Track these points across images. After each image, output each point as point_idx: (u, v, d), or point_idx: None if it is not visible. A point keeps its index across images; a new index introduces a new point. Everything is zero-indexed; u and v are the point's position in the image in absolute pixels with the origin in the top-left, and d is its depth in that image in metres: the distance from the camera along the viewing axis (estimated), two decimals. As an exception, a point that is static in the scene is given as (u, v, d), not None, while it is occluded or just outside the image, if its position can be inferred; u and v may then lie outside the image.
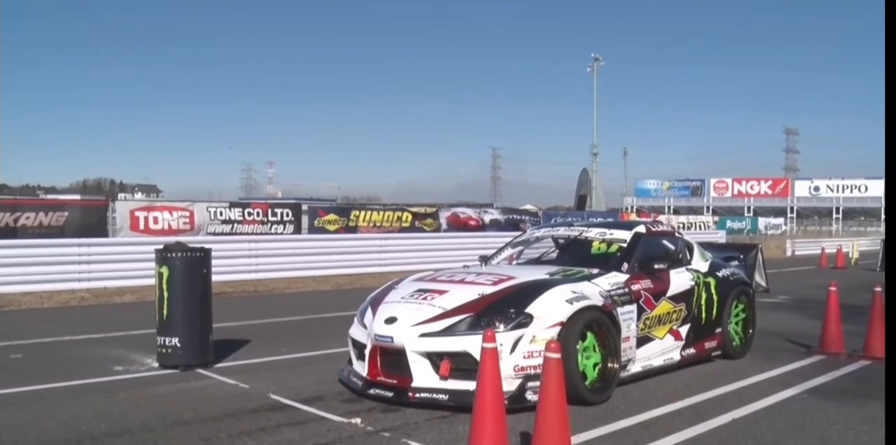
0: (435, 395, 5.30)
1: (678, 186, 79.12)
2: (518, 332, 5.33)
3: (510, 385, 5.24)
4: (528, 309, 5.44)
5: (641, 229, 7.19)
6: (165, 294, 6.77)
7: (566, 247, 7.77)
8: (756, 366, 7.13)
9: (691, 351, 6.96)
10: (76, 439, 4.72)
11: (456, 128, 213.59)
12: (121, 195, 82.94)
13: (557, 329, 5.37)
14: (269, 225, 17.83)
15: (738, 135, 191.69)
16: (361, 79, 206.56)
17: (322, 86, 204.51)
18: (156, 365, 6.92)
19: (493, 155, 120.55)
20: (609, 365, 5.77)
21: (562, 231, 7.75)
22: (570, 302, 5.56)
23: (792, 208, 71.51)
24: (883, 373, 6.74)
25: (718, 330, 7.27)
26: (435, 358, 5.39)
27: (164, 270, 6.78)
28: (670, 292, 6.73)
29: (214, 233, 16.64)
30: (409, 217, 20.76)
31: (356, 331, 6.06)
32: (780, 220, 45.21)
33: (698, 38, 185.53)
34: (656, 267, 6.63)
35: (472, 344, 5.11)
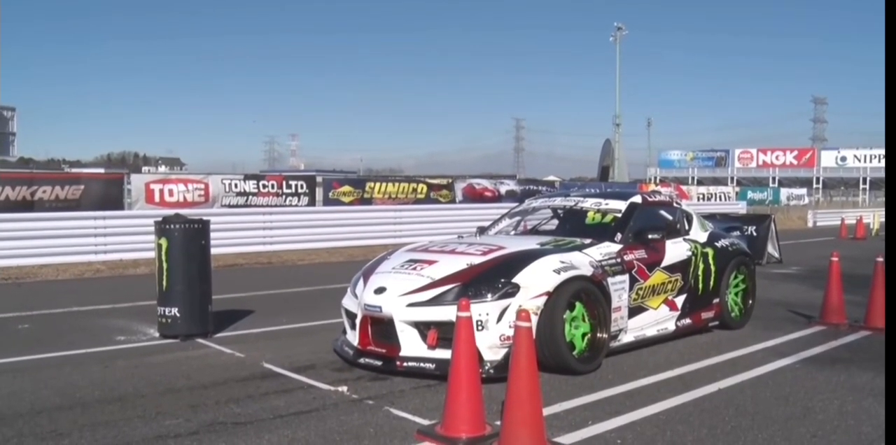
0: (422, 364, 5.36)
1: (702, 157, 77.91)
2: (505, 302, 5.35)
3: (496, 354, 5.30)
4: (515, 279, 5.45)
5: (637, 199, 7.14)
6: (165, 265, 6.88)
7: (562, 218, 7.75)
8: (754, 336, 7.11)
9: (687, 321, 6.94)
10: (69, 406, 4.85)
11: (480, 99, 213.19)
12: (144, 168, 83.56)
13: (544, 298, 5.39)
14: (284, 197, 17.93)
15: (764, 106, 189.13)
16: (385, 50, 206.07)
17: (345, 58, 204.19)
18: (157, 334, 7.05)
19: (516, 126, 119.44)
20: (598, 334, 5.78)
21: (558, 201, 7.71)
22: (558, 271, 5.56)
23: (818, 178, 70.26)
24: (880, 343, 6.73)
25: (716, 300, 7.24)
26: (422, 328, 5.44)
27: (163, 242, 6.88)
28: (665, 262, 6.70)
29: (229, 206, 16.75)
30: (425, 188, 20.75)
31: (348, 302, 6.13)
32: (803, 191, 44.45)
33: (724, 6, 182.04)
34: (650, 237, 6.59)
35: None
